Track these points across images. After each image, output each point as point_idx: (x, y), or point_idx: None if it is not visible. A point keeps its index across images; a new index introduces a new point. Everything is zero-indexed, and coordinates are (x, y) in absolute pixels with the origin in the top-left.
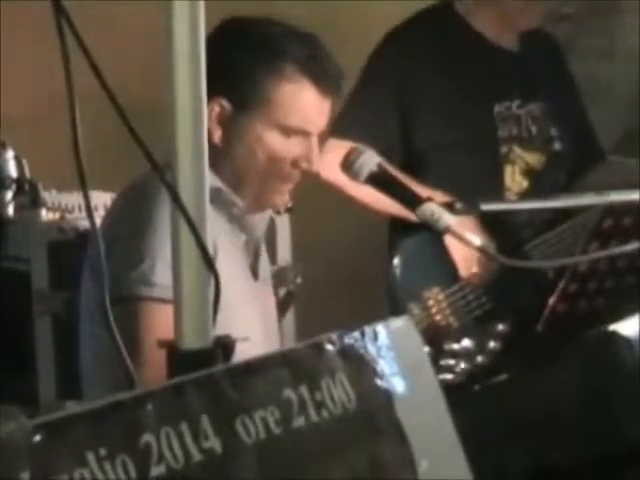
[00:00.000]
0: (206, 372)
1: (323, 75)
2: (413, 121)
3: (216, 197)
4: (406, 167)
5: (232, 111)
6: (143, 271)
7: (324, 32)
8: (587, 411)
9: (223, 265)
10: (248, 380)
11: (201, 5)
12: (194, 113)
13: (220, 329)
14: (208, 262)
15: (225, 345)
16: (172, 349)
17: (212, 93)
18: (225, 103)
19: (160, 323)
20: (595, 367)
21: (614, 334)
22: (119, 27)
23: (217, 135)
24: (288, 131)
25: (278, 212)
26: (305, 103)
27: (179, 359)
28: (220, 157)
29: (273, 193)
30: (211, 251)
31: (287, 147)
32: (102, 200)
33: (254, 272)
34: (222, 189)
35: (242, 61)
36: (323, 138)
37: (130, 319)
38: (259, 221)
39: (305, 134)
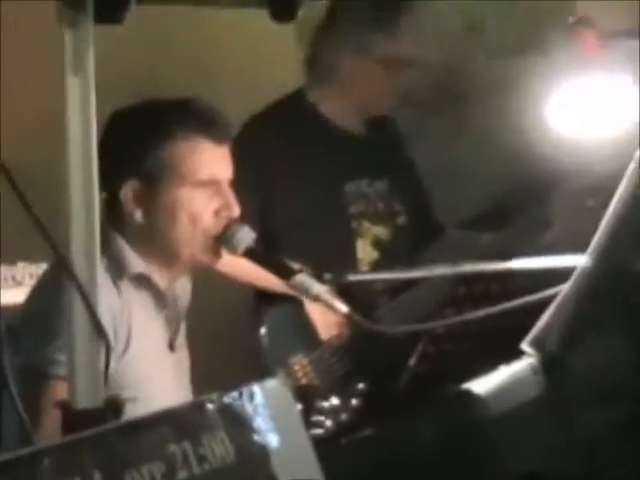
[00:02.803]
0: (97, 429)
1: (212, 126)
2: (271, 202)
3: (140, 283)
4: (265, 244)
5: (145, 188)
6: (52, 350)
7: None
8: (442, 465)
9: (139, 342)
10: (135, 436)
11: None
12: (86, 189)
13: (134, 393)
14: (99, 328)
15: (115, 404)
16: (66, 409)
17: (122, 180)
18: (136, 183)
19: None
20: (448, 423)
21: (466, 392)
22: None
23: (138, 215)
24: (199, 185)
25: None
26: (205, 155)
27: (73, 418)
28: (146, 234)
29: (204, 251)
30: (125, 331)
31: (203, 201)
32: (10, 273)
33: (172, 343)
34: (145, 275)
35: (136, 141)
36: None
37: (36, 392)
38: (182, 294)
39: (215, 183)
